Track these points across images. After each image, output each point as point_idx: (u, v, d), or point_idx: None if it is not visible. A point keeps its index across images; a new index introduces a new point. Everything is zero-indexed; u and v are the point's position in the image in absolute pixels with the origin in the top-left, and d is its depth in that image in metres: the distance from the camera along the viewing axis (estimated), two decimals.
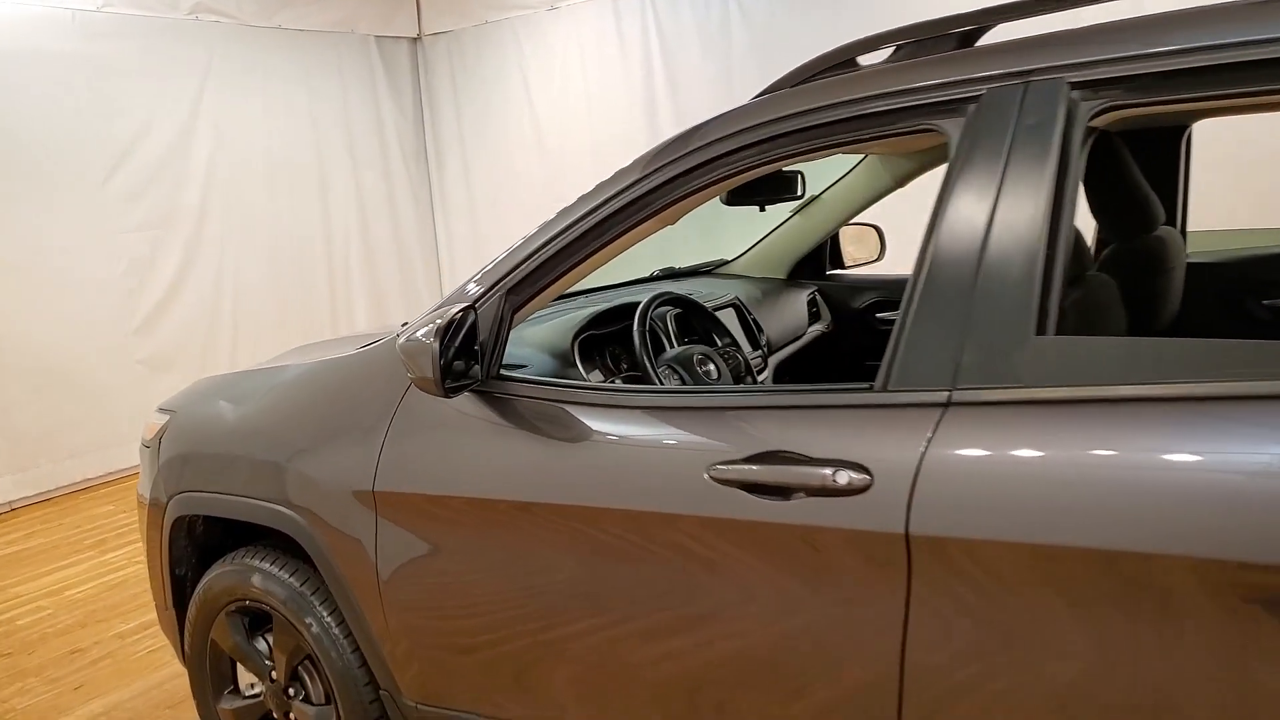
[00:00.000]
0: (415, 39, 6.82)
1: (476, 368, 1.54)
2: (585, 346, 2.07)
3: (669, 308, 2.22)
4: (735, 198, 2.20)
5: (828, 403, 1.22)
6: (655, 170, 1.51)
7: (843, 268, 3.03)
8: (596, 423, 1.44)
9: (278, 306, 5.92)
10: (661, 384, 1.92)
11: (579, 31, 5.85)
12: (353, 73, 6.48)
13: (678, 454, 1.32)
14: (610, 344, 2.21)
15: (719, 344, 2.25)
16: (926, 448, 1.11)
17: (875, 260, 3.06)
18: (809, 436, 1.21)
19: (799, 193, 2.34)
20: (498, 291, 1.61)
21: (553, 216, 1.64)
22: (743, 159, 1.44)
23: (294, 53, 6.06)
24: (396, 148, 6.75)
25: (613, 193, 1.54)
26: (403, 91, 6.80)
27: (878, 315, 2.88)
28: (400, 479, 1.60)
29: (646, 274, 3.03)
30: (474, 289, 1.63)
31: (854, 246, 3.05)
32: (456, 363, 1.46)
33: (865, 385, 1.20)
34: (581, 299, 2.62)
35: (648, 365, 1.92)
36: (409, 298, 6.74)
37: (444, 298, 1.72)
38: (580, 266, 1.61)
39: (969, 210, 1.17)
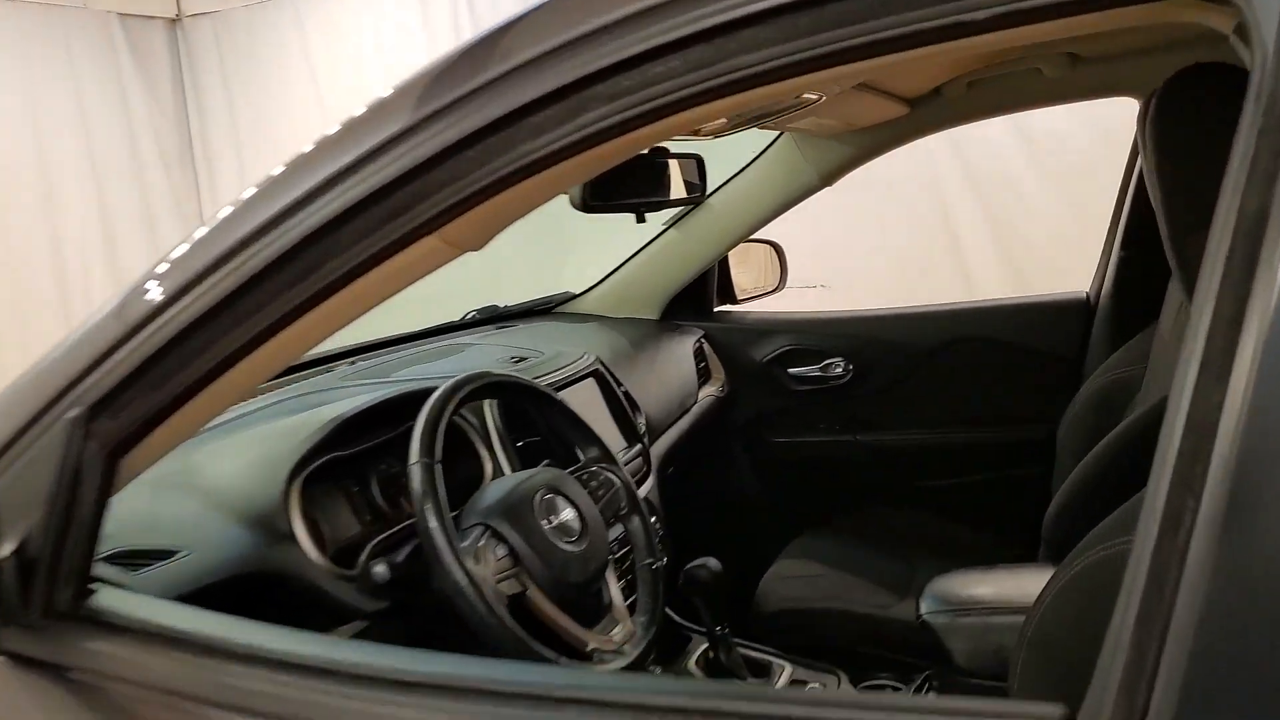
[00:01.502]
0: (174, 19, 5.53)
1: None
2: (318, 482, 1.08)
3: (485, 399, 1.26)
4: (597, 197, 1.27)
5: None
6: (433, 120, 0.67)
7: (734, 301, 2.16)
8: None
9: None
10: (465, 571, 0.95)
11: (374, 6, 4.88)
12: (88, 58, 5.13)
13: None
14: (382, 461, 1.22)
15: (580, 457, 1.29)
16: None
17: (775, 290, 2.21)
18: None
19: (700, 190, 1.44)
20: (64, 412, 0.72)
21: (201, 232, 0.70)
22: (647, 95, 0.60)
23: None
24: (153, 152, 5.41)
25: (336, 175, 0.68)
26: (159, 82, 5.48)
27: (789, 371, 2.02)
28: None
29: (453, 318, 2.05)
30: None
31: (748, 271, 2.18)
32: None
33: None
34: (342, 367, 1.61)
35: (437, 538, 0.95)
36: None
37: None
38: (281, 343, 0.67)
39: None
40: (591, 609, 1.15)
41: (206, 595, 0.91)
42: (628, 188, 1.34)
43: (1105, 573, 0.93)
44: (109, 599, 0.76)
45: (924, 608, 1.27)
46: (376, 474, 1.23)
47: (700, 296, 2.10)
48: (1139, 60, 1.47)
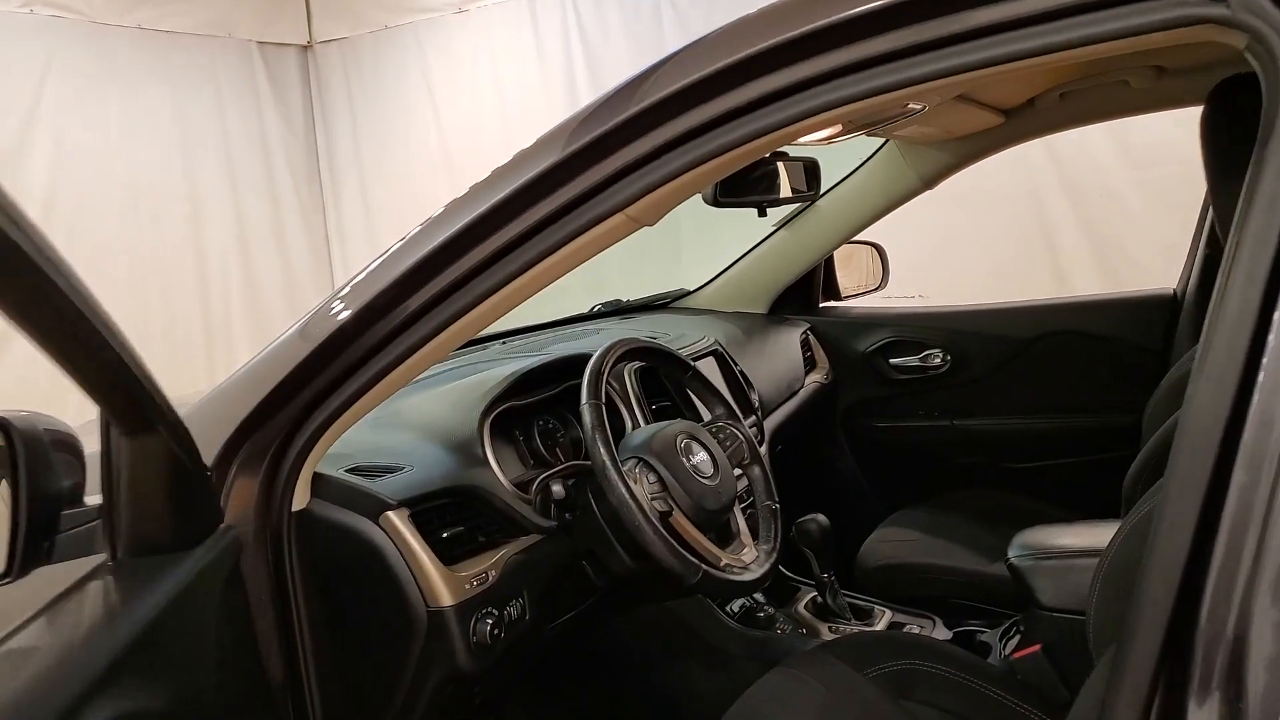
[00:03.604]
0: (305, 46, 5.97)
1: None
2: (502, 425, 1.32)
3: (631, 362, 1.48)
4: (727, 194, 1.48)
5: None
6: (580, 151, 0.90)
7: (838, 298, 2.34)
8: None
9: (140, 351, 4.92)
10: (627, 488, 1.16)
11: (490, 36, 5.14)
12: (230, 83, 5.58)
13: None
14: (540, 418, 1.45)
15: (707, 415, 1.50)
16: None
17: (877, 288, 2.38)
18: None
19: (817, 187, 1.64)
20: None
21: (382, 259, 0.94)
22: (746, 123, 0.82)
23: (156, 58, 5.15)
24: (285, 169, 5.85)
25: (507, 198, 0.90)
26: (291, 105, 5.92)
27: (890, 361, 2.19)
28: None
29: (582, 310, 2.29)
30: None
31: (851, 271, 2.36)
32: None
33: None
34: (496, 346, 1.86)
35: (605, 460, 1.17)
36: None
37: None
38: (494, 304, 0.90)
39: None
40: (723, 535, 1.36)
41: (427, 499, 1.15)
42: (751, 187, 1.55)
43: None
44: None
45: (1012, 554, 1.42)
46: (538, 428, 1.47)
47: (807, 293, 2.29)
48: (1217, 71, 1.60)
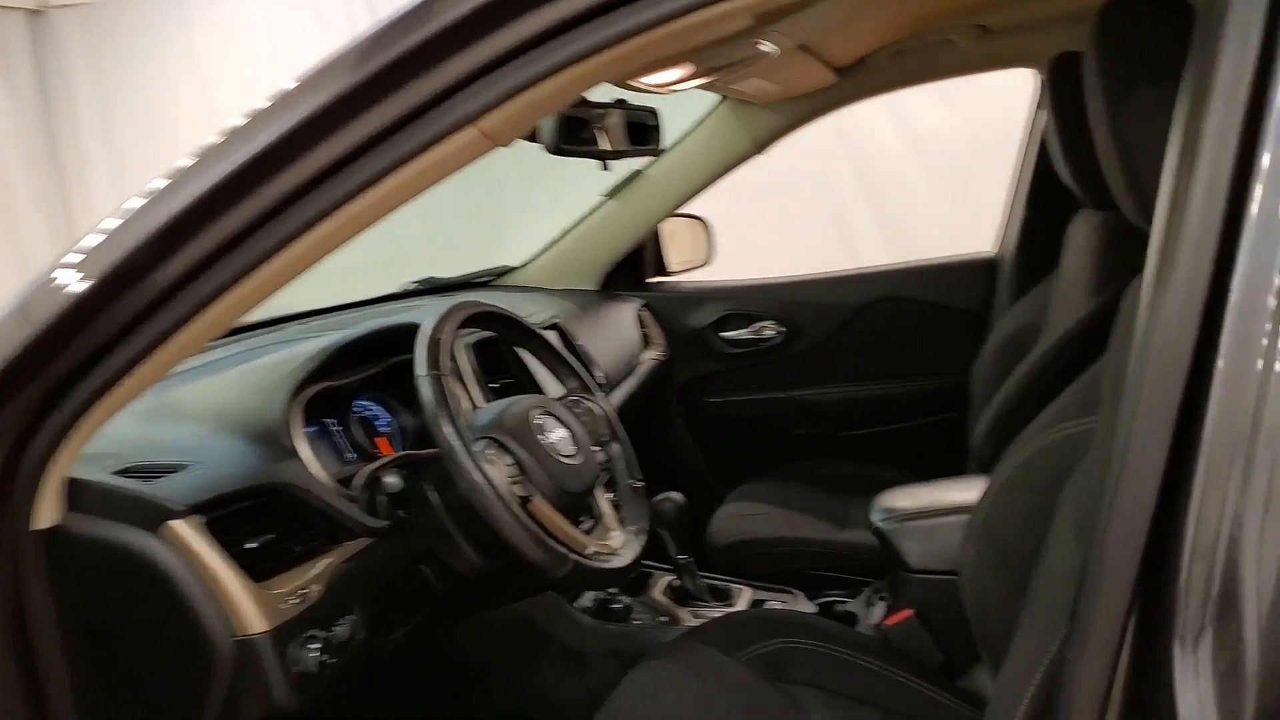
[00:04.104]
0: (35, 10, 5.22)
1: None
2: (312, 412, 1.09)
3: (469, 330, 1.29)
4: (567, 142, 1.33)
5: None
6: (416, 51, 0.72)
7: (667, 274, 2.24)
8: None
9: None
10: (482, 472, 0.98)
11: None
12: None
13: None
14: (358, 403, 1.24)
15: (558, 390, 1.34)
16: None
17: (705, 263, 2.31)
18: None
19: (659, 140, 1.52)
20: None
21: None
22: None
23: None
24: (13, 150, 5.08)
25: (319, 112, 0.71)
26: (18, 78, 5.15)
27: (724, 335, 2.12)
28: None
29: (394, 289, 2.05)
30: None
31: (680, 245, 2.27)
32: None
33: None
34: (295, 326, 1.60)
35: (453, 441, 0.98)
36: None
37: None
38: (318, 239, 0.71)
39: None
40: (586, 518, 1.21)
41: (223, 503, 0.92)
42: (592, 136, 1.41)
43: (1047, 459, 1.06)
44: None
45: (875, 518, 1.37)
46: (354, 416, 1.25)
47: (637, 268, 2.17)
48: (1040, 33, 1.64)
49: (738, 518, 1.77)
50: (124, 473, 0.90)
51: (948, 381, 2.02)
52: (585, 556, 1.06)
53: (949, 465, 2.01)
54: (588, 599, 1.55)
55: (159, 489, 0.88)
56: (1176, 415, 0.56)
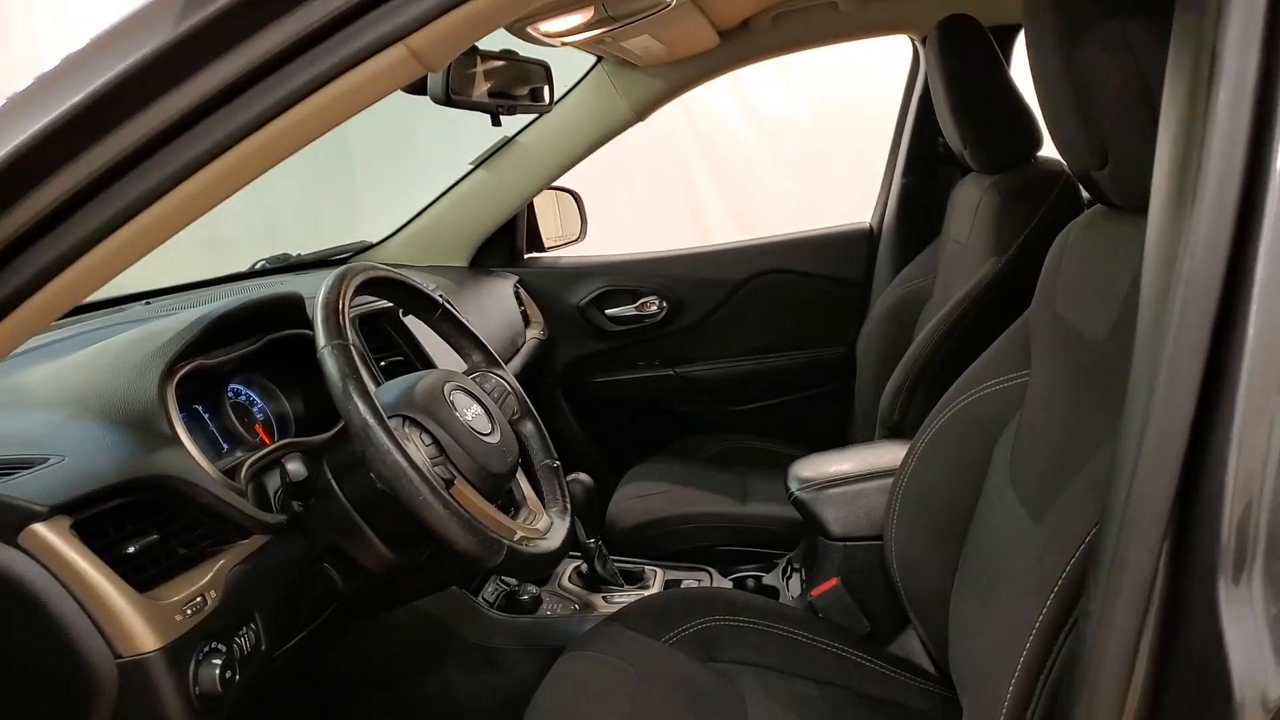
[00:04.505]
0: None
1: None
2: (181, 396, 0.93)
3: (365, 296, 1.15)
4: (457, 92, 1.22)
5: None
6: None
7: (541, 249, 2.14)
8: None
9: None
10: (403, 452, 0.87)
11: None
12: None
13: None
14: (231, 387, 1.08)
15: (465, 366, 1.23)
16: None
17: (578, 239, 2.23)
18: None
19: (551, 95, 1.43)
20: None
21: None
22: None
23: None
24: None
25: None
26: None
27: (606, 312, 2.05)
28: None
29: (241, 269, 1.85)
30: None
31: (555, 219, 2.18)
32: None
33: None
34: (138, 307, 1.41)
35: (368, 418, 0.86)
36: None
37: None
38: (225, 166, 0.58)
39: None
40: (508, 502, 1.10)
41: (94, 501, 0.76)
42: (483, 88, 1.30)
43: (974, 416, 1.06)
44: None
45: (793, 488, 1.34)
46: (229, 401, 1.09)
47: (510, 244, 2.06)
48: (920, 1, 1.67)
49: (638, 498, 1.70)
50: None
51: (833, 353, 2.04)
52: (515, 542, 0.96)
53: (836, 435, 2.03)
54: (489, 591, 1.44)
55: (15, 489, 0.72)
56: (1208, 348, 0.53)
